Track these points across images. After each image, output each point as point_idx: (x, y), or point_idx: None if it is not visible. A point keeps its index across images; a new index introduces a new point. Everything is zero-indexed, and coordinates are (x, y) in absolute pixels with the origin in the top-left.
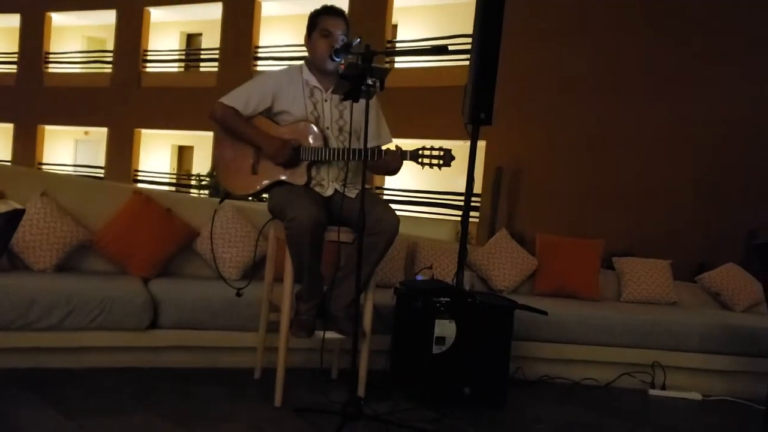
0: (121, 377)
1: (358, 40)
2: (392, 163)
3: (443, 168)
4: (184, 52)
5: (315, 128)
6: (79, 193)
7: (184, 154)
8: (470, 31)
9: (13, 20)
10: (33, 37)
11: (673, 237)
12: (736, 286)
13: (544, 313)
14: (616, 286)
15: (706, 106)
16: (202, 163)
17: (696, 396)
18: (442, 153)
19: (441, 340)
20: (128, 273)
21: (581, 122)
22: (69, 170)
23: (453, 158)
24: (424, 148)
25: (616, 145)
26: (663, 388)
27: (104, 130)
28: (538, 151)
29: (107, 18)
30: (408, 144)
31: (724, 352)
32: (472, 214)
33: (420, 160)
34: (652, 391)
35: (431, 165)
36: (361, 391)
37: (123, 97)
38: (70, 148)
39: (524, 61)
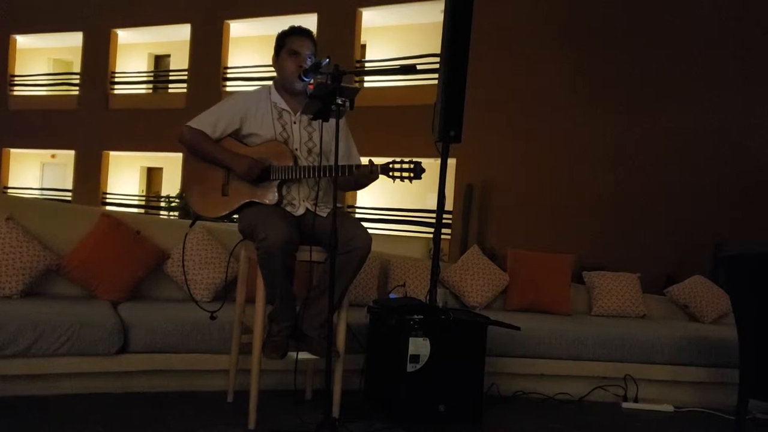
0: (91, 403)
1: (327, 59)
2: (363, 178)
3: (414, 182)
4: (152, 74)
5: (285, 148)
6: (45, 217)
7: (153, 175)
8: (438, 50)
9: None
10: None
11: (641, 250)
12: (703, 298)
13: (517, 328)
14: (587, 300)
15: (673, 119)
16: (171, 185)
17: (668, 408)
18: (412, 166)
19: (415, 357)
20: (97, 297)
21: (549, 138)
22: (35, 194)
23: (423, 170)
24: (394, 161)
25: (583, 160)
26: (635, 400)
27: (71, 152)
28: (508, 168)
29: (74, 40)
30: (379, 162)
31: (695, 364)
32: (443, 230)
33: (391, 173)
34: (624, 404)
35: (402, 178)
36: (335, 412)
37: (90, 120)
38: (36, 172)
39: (493, 78)
